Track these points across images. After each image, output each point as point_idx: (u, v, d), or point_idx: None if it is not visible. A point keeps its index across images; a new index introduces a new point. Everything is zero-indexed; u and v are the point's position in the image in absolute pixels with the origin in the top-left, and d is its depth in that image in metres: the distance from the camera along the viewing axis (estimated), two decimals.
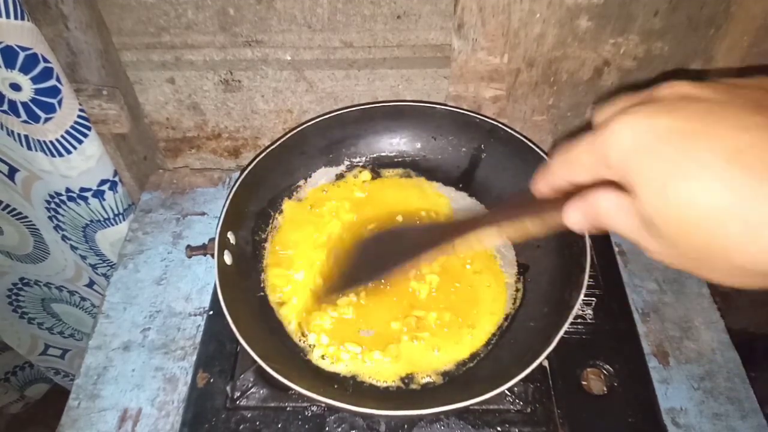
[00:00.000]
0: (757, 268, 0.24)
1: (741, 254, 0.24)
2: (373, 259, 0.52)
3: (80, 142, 0.70)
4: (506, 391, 0.59)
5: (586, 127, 0.29)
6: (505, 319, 0.65)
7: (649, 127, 0.26)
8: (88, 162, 0.73)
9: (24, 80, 0.62)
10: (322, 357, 0.62)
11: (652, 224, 0.27)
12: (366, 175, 0.77)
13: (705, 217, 0.24)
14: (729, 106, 0.26)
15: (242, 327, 0.55)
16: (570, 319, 0.54)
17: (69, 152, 0.70)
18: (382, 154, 0.79)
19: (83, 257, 0.91)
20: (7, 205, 0.82)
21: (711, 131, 0.25)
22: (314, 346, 0.63)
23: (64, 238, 0.87)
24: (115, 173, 0.78)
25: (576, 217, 0.32)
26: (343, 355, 0.62)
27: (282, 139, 0.70)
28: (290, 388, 0.51)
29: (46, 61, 0.62)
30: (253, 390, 0.60)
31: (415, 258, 0.46)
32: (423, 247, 0.45)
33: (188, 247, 0.66)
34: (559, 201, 0.33)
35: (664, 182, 0.25)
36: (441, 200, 0.75)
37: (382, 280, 0.61)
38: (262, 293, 0.67)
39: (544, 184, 0.34)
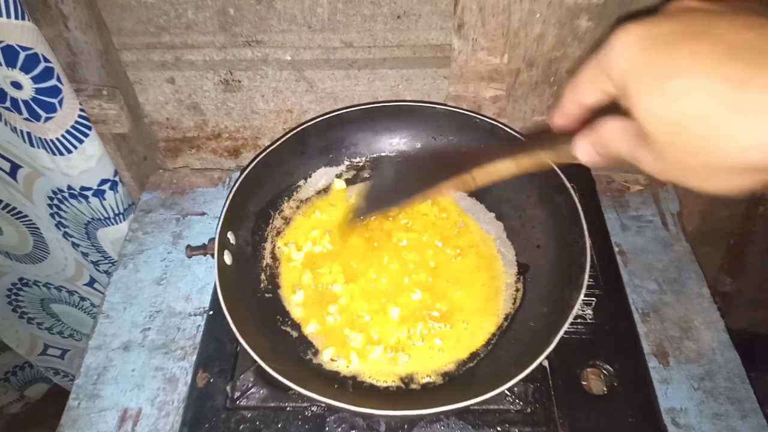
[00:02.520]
0: (749, 163, 0.25)
1: (730, 149, 0.25)
2: (395, 183, 0.54)
3: (81, 141, 0.70)
4: (506, 391, 0.59)
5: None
6: (505, 319, 0.65)
7: (647, 33, 0.27)
8: (89, 162, 0.73)
9: (25, 79, 0.62)
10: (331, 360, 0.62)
11: (648, 136, 0.27)
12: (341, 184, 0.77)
13: (696, 111, 0.25)
14: (732, 14, 0.26)
15: (242, 327, 0.55)
16: (570, 319, 0.54)
17: (69, 151, 0.70)
18: (382, 154, 0.79)
19: (85, 254, 0.91)
20: (7, 205, 0.82)
21: (712, 31, 0.25)
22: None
23: (65, 235, 0.87)
24: (116, 173, 0.78)
25: (584, 147, 0.33)
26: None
27: (282, 139, 0.70)
28: (290, 388, 0.51)
29: (46, 60, 0.62)
30: (253, 390, 0.60)
31: (435, 185, 0.47)
32: (444, 175, 0.46)
33: (188, 247, 0.66)
34: (572, 133, 0.34)
35: (659, 79, 0.26)
36: (443, 199, 0.75)
37: (405, 205, 0.64)
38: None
39: (559, 113, 0.35)
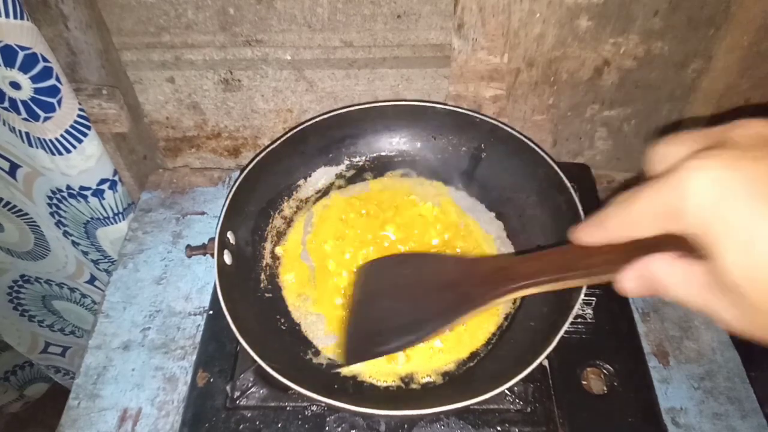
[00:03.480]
0: None
1: None
2: (393, 307, 0.43)
3: (80, 141, 0.70)
4: (506, 391, 0.59)
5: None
6: (505, 319, 0.65)
7: (732, 177, 0.23)
8: (88, 161, 0.73)
9: (23, 79, 0.62)
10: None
11: (733, 289, 0.24)
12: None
13: None
14: None
15: (242, 327, 0.55)
16: (570, 319, 0.54)
17: (69, 151, 0.70)
18: (382, 153, 0.78)
19: (85, 253, 0.91)
20: (8, 202, 0.82)
21: None
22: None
23: (65, 234, 0.87)
24: (115, 172, 0.78)
25: (631, 286, 0.29)
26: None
27: (282, 139, 0.70)
28: (290, 388, 0.51)
29: (45, 60, 0.62)
30: (253, 390, 0.60)
31: (449, 317, 0.38)
32: (456, 303, 0.38)
33: (188, 246, 0.66)
34: (608, 255, 0.29)
35: (751, 240, 0.23)
36: (444, 199, 0.75)
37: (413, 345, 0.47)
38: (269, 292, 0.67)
39: (596, 234, 0.30)
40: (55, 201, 0.80)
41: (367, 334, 0.45)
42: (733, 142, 0.25)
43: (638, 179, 0.27)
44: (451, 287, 0.39)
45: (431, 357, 0.62)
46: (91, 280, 0.98)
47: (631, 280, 0.29)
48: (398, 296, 0.44)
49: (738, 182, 0.23)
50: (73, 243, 0.89)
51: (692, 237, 0.25)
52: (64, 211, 0.82)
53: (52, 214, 0.83)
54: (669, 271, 0.27)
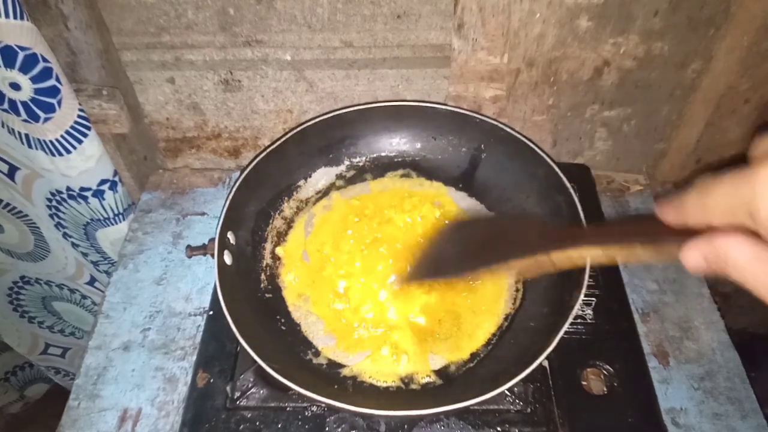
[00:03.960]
0: None
1: None
2: (461, 250, 0.48)
3: (80, 141, 0.70)
4: (506, 391, 0.59)
5: (739, 160, 0.26)
6: (505, 319, 0.65)
7: None
8: (88, 162, 0.73)
9: (23, 80, 0.62)
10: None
11: None
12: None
13: None
14: None
15: (242, 327, 0.55)
16: (570, 319, 0.54)
17: (69, 152, 0.70)
18: (382, 154, 0.79)
19: (84, 254, 0.91)
20: (8, 204, 0.82)
21: None
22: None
23: (65, 235, 0.87)
24: (115, 173, 0.78)
25: (696, 259, 0.28)
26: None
27: (282, 139, 0.70)
28: (290, 388, 0.51)
29: (45, 61, 0.62)
30: (253, 390, 0.60)
31: (508, 259, 0.41)
32: (518, 250, 0.40)
33: (188, 247, 0.66)
34: (684, 233, 0.29)
35: None
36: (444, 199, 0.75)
37: (469, 276, 0.58)
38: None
39: (673, 214, 0.30)
40: (54, 203, 0.80)
41: (432, 263, 0.51)
42: None
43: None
44: (520, 240, 0.41)
45: (431, 357, 0.62)
46: (91, 281, 0.98)
47: (698, 251, 0.28)
48: (470, 243, 0.48)
49: None
50: (73, 244, 0.89)
51: (766, 235, 0.25)
52: (64, 213, 0.82)
53: (51, 215, 0.83)
54: (741, 251, 0.26)
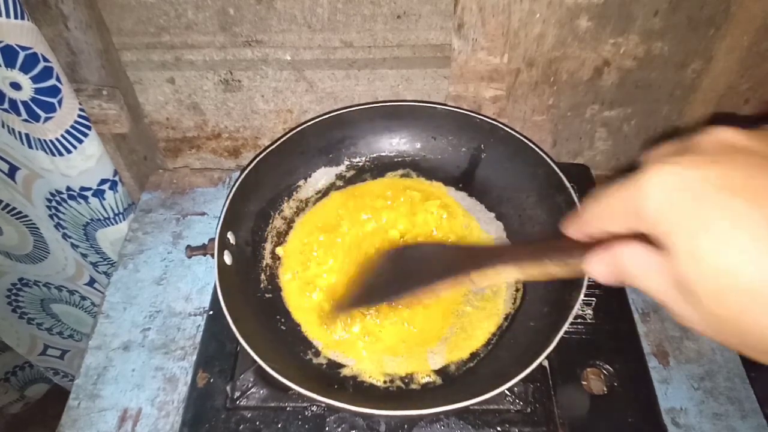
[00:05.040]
0: None
1: None
2: (388, 278, 0.50)
3: (80, 141, 0.70)
4: (506, 391, 0.59)
5: (633, 170, 0.27)
6: (505, 319, 0.65)
7: (684, 180, 0.24)
8: (88, 161, 0.73)
9: (24, 79, 0.62)
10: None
11: (688, 289, 0.24)
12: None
13: (741, 287, 0.22)
14: None
15: (242, 327, 0.55)
16: (570, 319, 0.54)
17: (69, 152, 0.70)
18: (382, 154, 0.79)
19: (84, 255, 0.91)
20: (7, 205, 0.82)
21: (757, 188, 0.22)
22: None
23: (64, 236, 0.87)
24: (115, 173, 0.78)
25: (599, 269, 0.29)
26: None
27: (282, 139, 0.70)
28: (290, 388, 0.51)
29: (46, 60, 0.62)
30: (253, 390, 0.60)
31: (431, 283, 0.43)
32: (440, 273, 0.42)
33: (188, 247, 0.66)
34: (589, 247, 0.30)
35: (696, 243, 0.23)
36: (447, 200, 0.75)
37: (394, 302, 0.60)
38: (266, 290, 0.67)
39: (575, 228, 0.31)
40: (54, 203, 0.80)
41: (360, 293, 0.53)
42: (697, 148, 0.26)
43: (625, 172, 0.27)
44: (442, 264, 0.44)
45: (431, 357, 0.62)
46: (91, 282, 0.98)
47: (599, 263, 0.29)
48: (395, 272, 0.50)
49: (688, 186, 0.23)
50: (73, 245, 0.89)
51: (654, 237, 0.25)
52: (64, 213, 0.82)
53: (51, 216, 0.83)
54: (637, 261, 0.27)
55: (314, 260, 0.69)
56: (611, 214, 0.28)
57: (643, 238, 0.26)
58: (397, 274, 0.49)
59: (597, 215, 0.29)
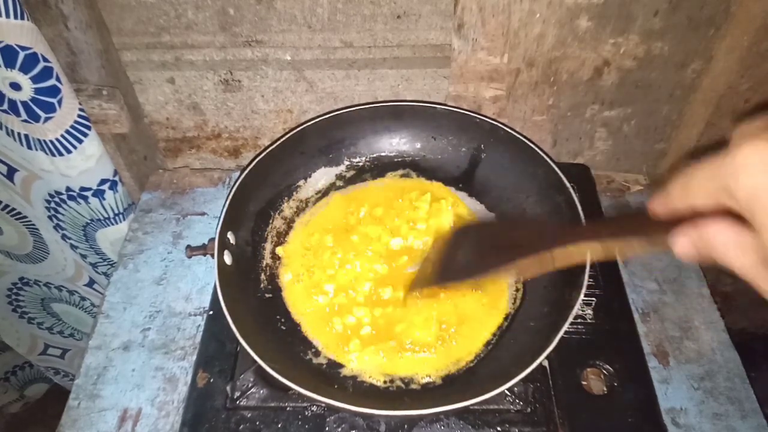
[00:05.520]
0: None
1: None
2: (468, 255, 0.50)
3: (80, 141, 0.70)
4: (506, 391, 0.59)
5: (722, 145, 0.27)
6: (505, 319, 0.65)
7: None
8: (88, 161, 0.73)
9: (24, 80, 0.62)
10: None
11: None
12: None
13: None
14: None
15: (242, 327, 0.55)
16: (570, 319, 0.54)
17: (69, 152, 0.70)
18: (382, 154, 0.79)
19: (83, 256, 0.91)
20: (7, 205, 0.82)
21: None
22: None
23: (64, 237, 0.87)
24: (115, 173, 0.78)
25: (684, 246, 0.29)
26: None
27: (282, 139, 0.70)
28: (290, 388, 0.51)
29: (45, 60, 0.62)
30: (253, 390, 0.60)
31: (512, 261, 0.42)
32: (521, 251, 0.41)
33: (188, 247, 0.66)
34: (673, 224, 0.30)
35: None
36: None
37: (475, 280, 0.59)
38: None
39: (661, 204, 0.31)
40: (53, 204, 0.80)
41: (441, 269, 0.52)
42: None
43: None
44: (522, 242, 0.43)
45: (431, 357, 0.62)
46: (90, 283, 0.98)
47: (687, 238, 0.29)
48: (475, 249, 0.49)
49: None
50: (72, 246, 0.89)
51: (744, 215, 0.25)
52: (63, 214, 0.82)
53: (50, 217, 0.83)
54: (725, 237, 0.27)
55: (318, 264, 0.68)
56: (701, 189, 0.28)
57: (729, 215, 0.26)
58: (477, 251, 0.48)
59: (687, 190, 0.29)
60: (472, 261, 0.48)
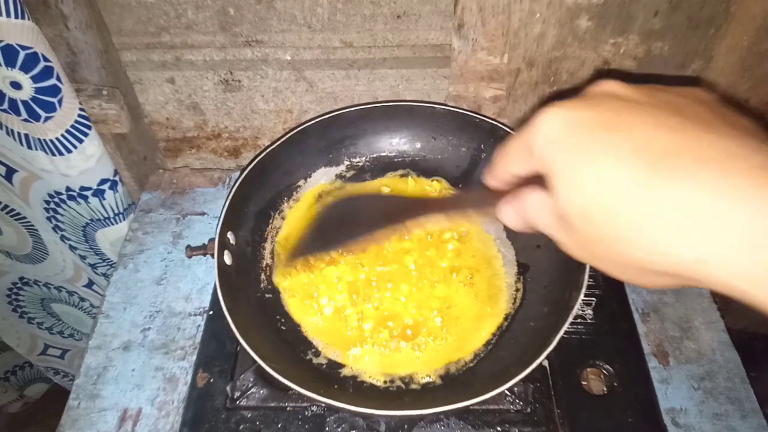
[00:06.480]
0: (651, 265, 0.24)
1: (633, 248, 0.24)
2: (336, 226, 0.52)
3: (80, 141, 0.70)
4: (506, 391, 0.59)
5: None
6: (505, 319, 0.65)
7: (567, 118, 0.27)
8: (88, 161, 0.73)
9: (24, 79, 0.62)
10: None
11: (564, 215, 0.27)
12: None
13: (603, 204, 0.25)
14: (648, 106, 0.27)
15: (242, 327, 0.55)
16: (570, 319, 0.54)
17: (69, 151, 0.70)
18: (382, 154, 0.79)
19: (83, 257, 0.91)
20: (6, 206, 0.82)
21: (625, 124, 0.26)
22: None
23: (63, 238, 0.87)
24: (116, 173, 0.78)
25: (508, 214, 0.33)
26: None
27: (282, 139, 0.70)
28: (290, 388, 0.51)
29: (46, 60, 0.62)
30: (253, 390, 0.60)
31: (372, 231, 0.46)
32: (381, 221, 0.45)
33: (188, 247, 0.66)
34: (502, 195, 0.33)
35: (572, 167, 0.26)
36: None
37: (341, 249, 0.63)
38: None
39: (491, 176, 0.35)
40: (52, 205, 0.80)
41: (310, 241, 0.54)
42: (584, 97, 0.29)
43: None
44: (382, 213, 0.46)
45: (432, 357, 0.62)
46: (89, 284, 0.98)
47: (507, 207, 0.33)
48: (342, 221, 0.52)
49: (570, 123, 0.27)
50: (71, 247, 0.89)
51: (542, 170, 0.28)
52: (62, 215, 0.82)
53: (49, 218, 0.83)
54: (534, 203, 0.30)
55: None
56: (513, 156, 0.31)
57: (538, 184, 0.29)
58: (344, 223, 0.51)
59: (503, 159, 0.32)
60: (339, 232, 0.50)
